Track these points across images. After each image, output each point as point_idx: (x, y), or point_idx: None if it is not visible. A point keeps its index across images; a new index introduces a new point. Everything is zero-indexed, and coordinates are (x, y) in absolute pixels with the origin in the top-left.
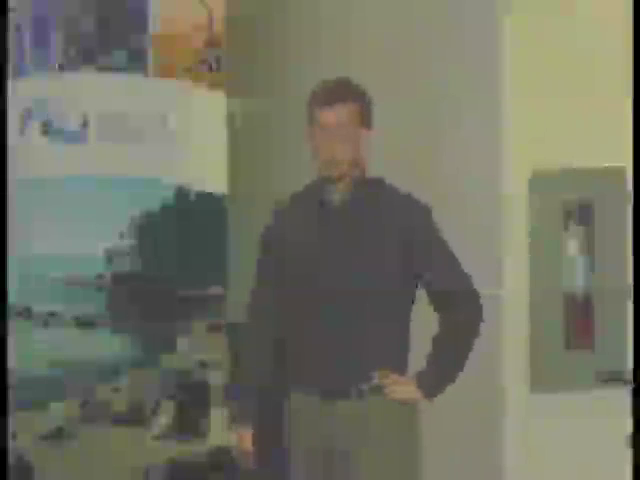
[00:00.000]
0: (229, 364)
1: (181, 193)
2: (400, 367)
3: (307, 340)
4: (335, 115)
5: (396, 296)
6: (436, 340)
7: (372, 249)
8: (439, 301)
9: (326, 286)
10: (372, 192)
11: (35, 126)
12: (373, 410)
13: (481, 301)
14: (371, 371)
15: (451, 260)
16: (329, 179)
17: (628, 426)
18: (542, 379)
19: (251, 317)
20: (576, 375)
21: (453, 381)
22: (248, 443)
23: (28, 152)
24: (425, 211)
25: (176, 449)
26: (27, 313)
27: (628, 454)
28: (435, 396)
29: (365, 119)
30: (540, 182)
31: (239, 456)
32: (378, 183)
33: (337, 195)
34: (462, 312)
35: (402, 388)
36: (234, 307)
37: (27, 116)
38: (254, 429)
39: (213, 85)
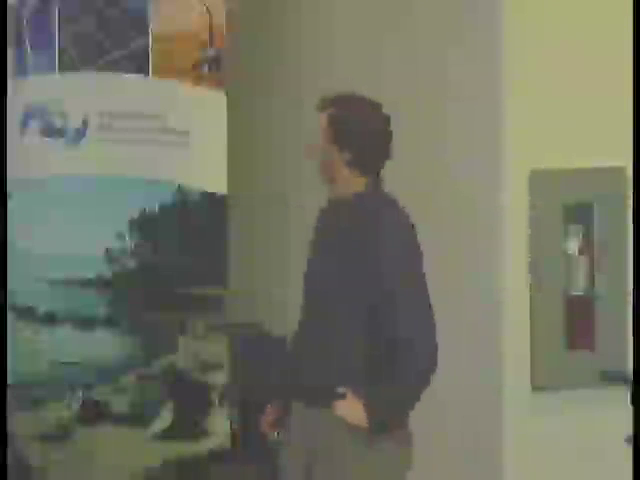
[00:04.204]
0: (229, 364)
1: (181, 193)
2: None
3: (299, 346)
4: (320, 119)
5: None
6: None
7: (359, 266)
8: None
9: (318, 297)
10: (372, 212)
11: (35, 126)
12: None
13: (435, 355)
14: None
15: (422, 311)
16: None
17: (628, 425)
18: (543, 379)
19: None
20: (576, 375)
21: (398, 420)
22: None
23: (28, 152)
24: (417, 255)
25: (176, 449)
26: (27, 313)
27: (628, 453)
28: (377, 431)
29: (338, 136)
30: (540, 182)
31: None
32: (383, 199)
33: (340, 211)
34: (417, 361)
35: (350, 408)
36: (234, 307)
37: (27, 116)
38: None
39: (213, 85)
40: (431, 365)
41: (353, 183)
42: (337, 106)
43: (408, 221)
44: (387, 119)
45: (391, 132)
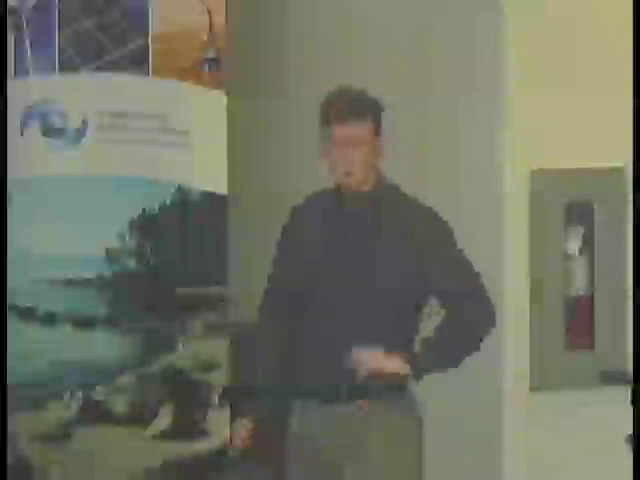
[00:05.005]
0: (229, 364)
1: (181, 193)
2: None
3: (310, 340)
4: (352, 131)
5: (404, 306)
6: (438, 328)
7: (385, 258)
8: (450, 307)
9: (334, 289)
10: (390, 201)
11: (35, 126)
12: (374, 415)
13: (493, 308)
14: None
15: (468, 273)
16: (347, 187)
17: (628, 425)
18: (542, 379)
19: (264, 317)
20: (576, 375)
21: (445, 367)
22: (244, 430)
23: (28, 152)
24: (445, 229)
25: (176, 449)
26: (27, 313)
27: (628, 454)
28: (421, 375)
29: (378, 128)
30: (540, 182)
31: (233, 441)
32: (397, 193)
33: (354, 202)
34: (470, 311)
35: (387, 360)
36: (234, 307)
37: (27, 116)
38: (257, 426)
39: (213, 85)
40: (492, 310)
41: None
42: (374, 103)
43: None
44: None
45: None
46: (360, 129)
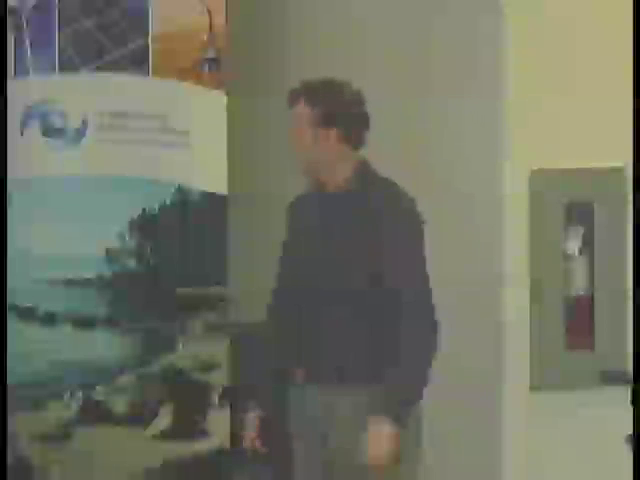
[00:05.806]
0: (229, 364)
1: (181, 193)
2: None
3: (307, 331)
4: (293, 115)
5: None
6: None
7: (360, 249)
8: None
9: (322, 281)
10: (365, 191)
11: (35, 126)
12: (374, 402)
13: (435, 317)
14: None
15: (417, 274)
16: (313, 182)
17: (628, 425)
18: (542, 379)
19: (273, 316)
20: (576, 375)
21: (420, 397)
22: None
23: (28, 152)
24: (415, 226)
25: (176, 449)
26: (27, 313)
27: (628, 453)
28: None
29: (326, 118)
30: (540, 182)
31: (245, 438)
32: (375, 181)
33: (334, 198)
34: (414, 328)
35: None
36: (234, 307)
37: (27, 116)
38: (262, 416)
39: (213, 85)
40: (433, 327)
41: (342, 165)
42: (314, 90)
43: (407, 201)
44: (358, 91)
45: (364, 101)
46: (296, 112)
